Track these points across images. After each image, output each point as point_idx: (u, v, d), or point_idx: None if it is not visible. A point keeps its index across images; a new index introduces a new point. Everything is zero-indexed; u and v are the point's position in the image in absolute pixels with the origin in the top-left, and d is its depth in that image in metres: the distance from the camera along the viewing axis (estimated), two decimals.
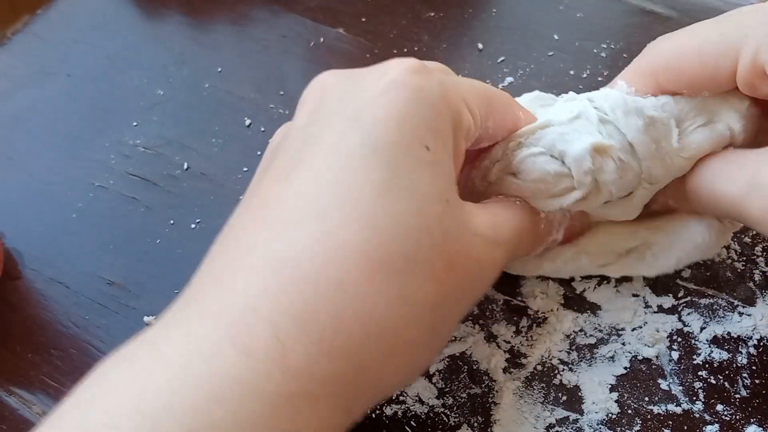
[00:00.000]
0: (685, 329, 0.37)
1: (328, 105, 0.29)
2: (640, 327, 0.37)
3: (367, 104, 0.27)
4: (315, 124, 0.28)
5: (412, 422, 0.35)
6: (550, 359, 0.36)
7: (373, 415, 0.35)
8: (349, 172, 0.26)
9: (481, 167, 0.34)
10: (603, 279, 0.38)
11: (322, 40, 0.51)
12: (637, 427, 0.34)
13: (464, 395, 0.35)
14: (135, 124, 0.47)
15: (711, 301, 0.38)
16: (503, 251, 0.30)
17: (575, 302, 0.38)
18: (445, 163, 0.28)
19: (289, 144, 0.28)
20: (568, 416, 0.34)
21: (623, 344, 0.36)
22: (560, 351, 0.36)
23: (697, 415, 0.34)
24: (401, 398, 0.35)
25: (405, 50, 0.50)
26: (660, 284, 0.38)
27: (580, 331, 0.37)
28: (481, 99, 0.31)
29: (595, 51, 0.49)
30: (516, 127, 0.33)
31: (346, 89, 0.29)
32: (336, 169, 0.26)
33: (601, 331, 0.37)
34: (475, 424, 0.34)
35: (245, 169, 0.44)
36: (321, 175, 0.26)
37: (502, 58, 0.49)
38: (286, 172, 0.27)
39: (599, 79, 0.47)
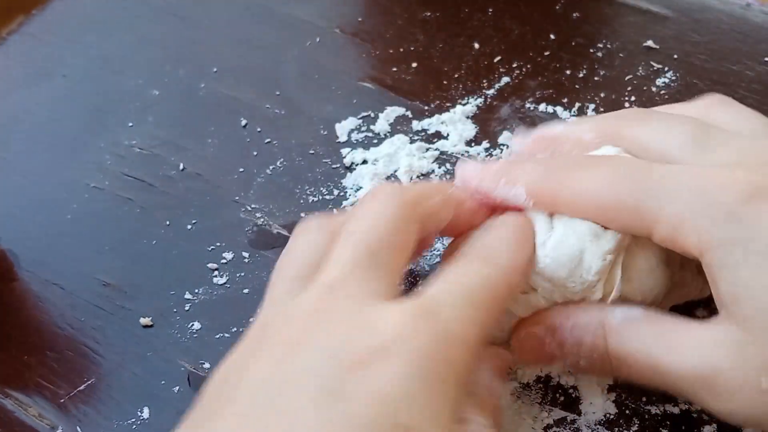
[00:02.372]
0: None
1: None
2: None
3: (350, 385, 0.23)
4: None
5: None
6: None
7: None
8: None
9: None
10: None
11: (318, 40, 0.51)
12: (635, 428, 0.34)
13: None
14: (130, 124, 0.47)
15: (708, 299, 0.38)
16: None
17: None
18: None
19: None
20: (566, 417, 0.34)
21: None
22: None
23: (695, 415, 0.34)
24: None
25: (401, 50, 0.50)
26: None
27: None
28: (488, 308, 0.27)
29: (591, 51, 0.49)
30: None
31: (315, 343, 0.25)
32: None
33: None
34: None
35: (241, 169, 0.44)
36: None
37: (498, 58, 0.49)
38: None
39: (596, 78, 0.47)
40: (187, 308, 0.39)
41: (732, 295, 0.27)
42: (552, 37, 0.50)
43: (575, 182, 0.30)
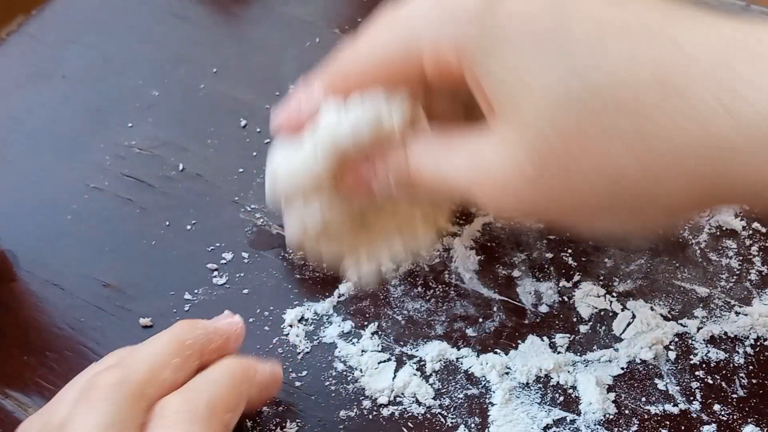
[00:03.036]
0: (682, 329, 0.37)
1: None
2: (642, 333, 0.37)
3: None
4: None
5: (409, 423, 0.35)
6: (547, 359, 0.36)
7: (371, 416, 0.35)
8: None
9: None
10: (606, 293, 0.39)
11: (317, 40, 0.51)
12: (635, 428, 0.34)
13: (461, 396, 0.35)
14: (130, 125, 0.47)
15: (707, 300, 0.38)
16: None
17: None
18: None
19: None
20: (565, 417, 0.34)
21: (620, 347, 0.36)
22: (558, 351, 0.36)
23: (695, 415, 0.34)
24: (398, 399, 0.35)
25: None
26: (658, 287, 0.38)
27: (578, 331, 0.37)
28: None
29: None
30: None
31: None
32: None
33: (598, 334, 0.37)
34: (472, 425, 0.34)
35: (241, 170, 0.44)
36: None
37: None
38: None
39: None
40: (186, 309, 0.39)
41: (488, 87, 0.28)
42: None
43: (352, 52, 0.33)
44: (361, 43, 0.33)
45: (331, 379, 0.36)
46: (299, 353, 0.37)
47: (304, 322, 0.38)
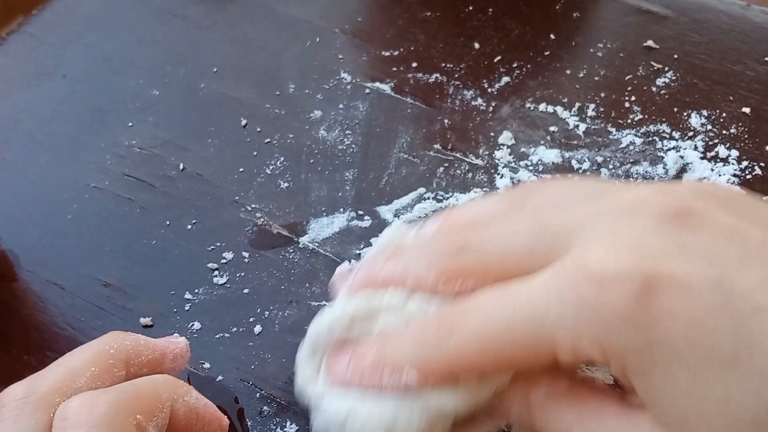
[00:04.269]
0: None
1: None
2: None
3: None
4: None
5: None
6: None
7: None
8: None
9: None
10: None
11: (318, 39, 0.51)
12: None
13: None
14: (131, 124, 0.47)
15: None
16: None
17: None
18: None
19: None
20: None
21: None
22: None
23: None
24: None
25: (401, 49, 0.50)
26: None
27: None
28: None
29: (591, 50, 0.49)
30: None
31: None
32: None
33: None
34: None
35: (241, 169, 0.44)
36: None
37: (498, 58, 0.49)
38: None
39: (596, 78, 0.47)
40: (187, 308, 0.39)
41: (651, 401, 0.25)
42: (552, 36, 0.50)
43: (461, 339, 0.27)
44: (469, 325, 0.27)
45: None
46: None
47: None
